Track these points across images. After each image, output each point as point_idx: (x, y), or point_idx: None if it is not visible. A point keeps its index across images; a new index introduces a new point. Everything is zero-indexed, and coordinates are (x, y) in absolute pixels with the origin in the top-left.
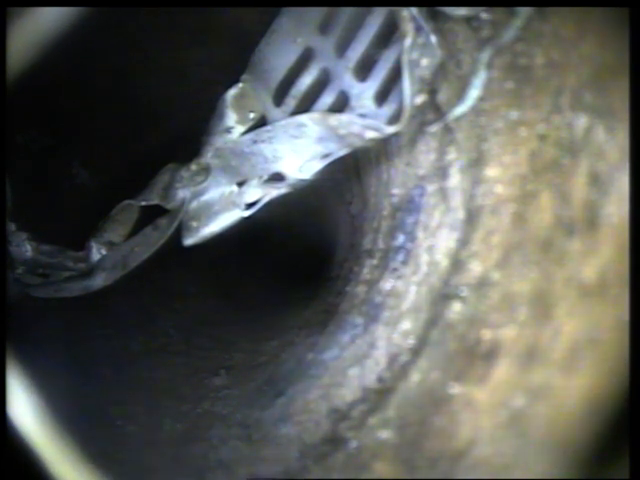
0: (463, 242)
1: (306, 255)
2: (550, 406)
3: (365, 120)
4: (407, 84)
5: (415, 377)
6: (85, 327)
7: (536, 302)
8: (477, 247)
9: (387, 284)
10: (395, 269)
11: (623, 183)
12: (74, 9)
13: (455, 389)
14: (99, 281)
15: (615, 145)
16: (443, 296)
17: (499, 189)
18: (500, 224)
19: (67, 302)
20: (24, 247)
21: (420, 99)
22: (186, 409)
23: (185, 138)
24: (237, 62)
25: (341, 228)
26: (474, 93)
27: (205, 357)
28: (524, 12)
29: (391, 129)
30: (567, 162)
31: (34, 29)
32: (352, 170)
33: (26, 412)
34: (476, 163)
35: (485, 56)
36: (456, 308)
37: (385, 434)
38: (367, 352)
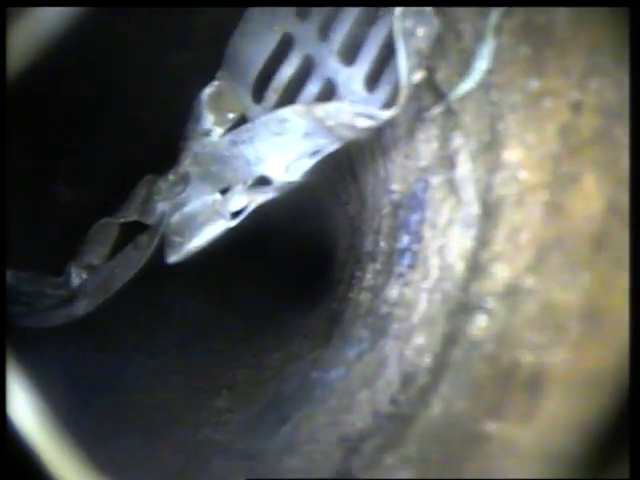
0: (482, 241)
1: (305, 260)
2: None
3: (355, 106)
4: (402, 57)
5: (437, 406)
6: (81, 353)
7: (588, 315)
8: (501, 247)
9: (393, 291)
10: (401, 274)
11: None
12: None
13: (490, 426)
14: (81, 308)
15: None
16: (462, 307)
17: (523, 175)
18: (529, 218)
19: (62, 327)
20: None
21: (419, 76)
22: (186, 437)
23: (163, 146)
24: (216, 63)
25: (339, 230)
26: (481, 65)
27: (206, 375)
28: None
29: (386, 114)
30: (616, 132)
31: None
32: (346, 168)
33: (26, 412)
34: (490, 146)
35: (493, 19)
36: (481, 322)
37: (405, 474)
38: (377, 371)
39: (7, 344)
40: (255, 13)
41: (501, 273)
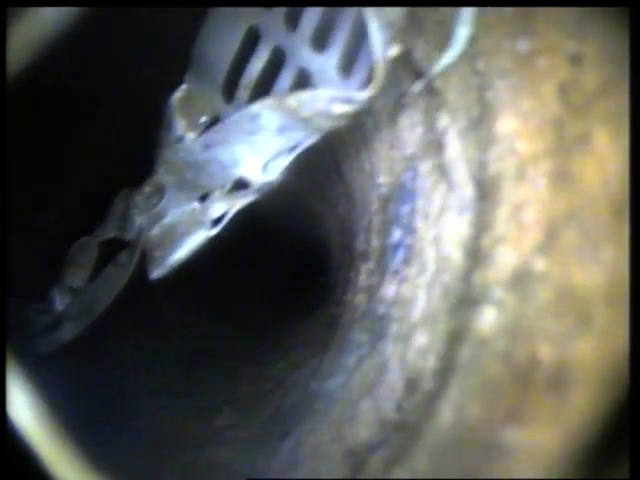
0: (480, 225)
1: (299, 266)
2: None
3: (330, 91)
4: (375, 31)
5: (447, 413)
6: (82, 372)
7: (613, 296)
8: (503, 229)
9: (389, 290)
10: (396, 271)
11: None
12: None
13: (509, 432)
14: (68, 332)
15: None
16: (465, 300)
17: (522, 145)
18: (533, 192)
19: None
20: None
21: (395, 50)
22: (187, 460)
23: (140, 157)
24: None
25: (331, 232)
26: (463, 32)
27: (207, 393)
28: None
29: (363, 94)
30: (623, 80)
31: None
32: (332, 168)
33: (26, 412)
34: (480, 121)
35: None
36: (489, 316)
37: None
38: (378, 377)
39: (7, 344)
40: (218, 10)
41: (506, 258)
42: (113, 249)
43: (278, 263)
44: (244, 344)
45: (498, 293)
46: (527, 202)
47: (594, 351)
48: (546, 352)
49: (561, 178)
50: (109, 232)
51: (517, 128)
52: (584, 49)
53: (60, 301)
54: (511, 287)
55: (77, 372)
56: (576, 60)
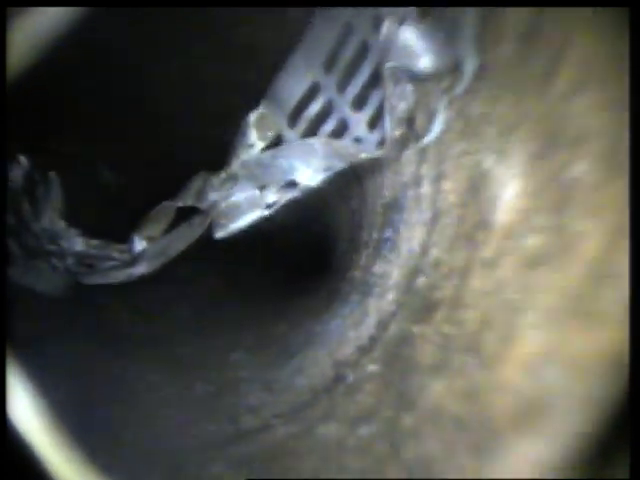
0: (429, 234)
1: (312, 249)
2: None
3: (360, 145)
4: (388, 122)
5: (393, 327)
6: (112, 312)
7: (463, 271)
8: (436, 238)
9: (379, 268)
10: (384, 256)
11: None
12: (75, 9)
13: (418, 328)
14: (141, 269)
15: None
16: (414, 272)
17: (451, 198)
18: (451, 222)
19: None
20: (74, 241)
21: (398, 132)
22: (214, 376)
23: (207, 146)
24: (250, 77)
25: (343, 225)
26: (437, 127)
27: (219, 336)
28: (469, 72)
29: (377, 153)
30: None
31: (34, 29)
32: (353, 177)
33: (26, 412)
34: (438, 178)
35: (444, 102)
36: (421, 280)
37: (373, 367)
38: (362, 319)
39: (7, 344)
40: (294, 62)
41: (434, 253)
42: (187, 213)
43: (293, 247)
44: (247, 305)
45: (427, 269)
46: (447, 226)
47: (450, 291)
48: (438, 294)
49: (459, 218)
50: (187, 201)
51: (450, 189)
52: (490, 163)
53: (139, 244)
54: (432, 267)
55: (108, 315)
56: (482, 165)
